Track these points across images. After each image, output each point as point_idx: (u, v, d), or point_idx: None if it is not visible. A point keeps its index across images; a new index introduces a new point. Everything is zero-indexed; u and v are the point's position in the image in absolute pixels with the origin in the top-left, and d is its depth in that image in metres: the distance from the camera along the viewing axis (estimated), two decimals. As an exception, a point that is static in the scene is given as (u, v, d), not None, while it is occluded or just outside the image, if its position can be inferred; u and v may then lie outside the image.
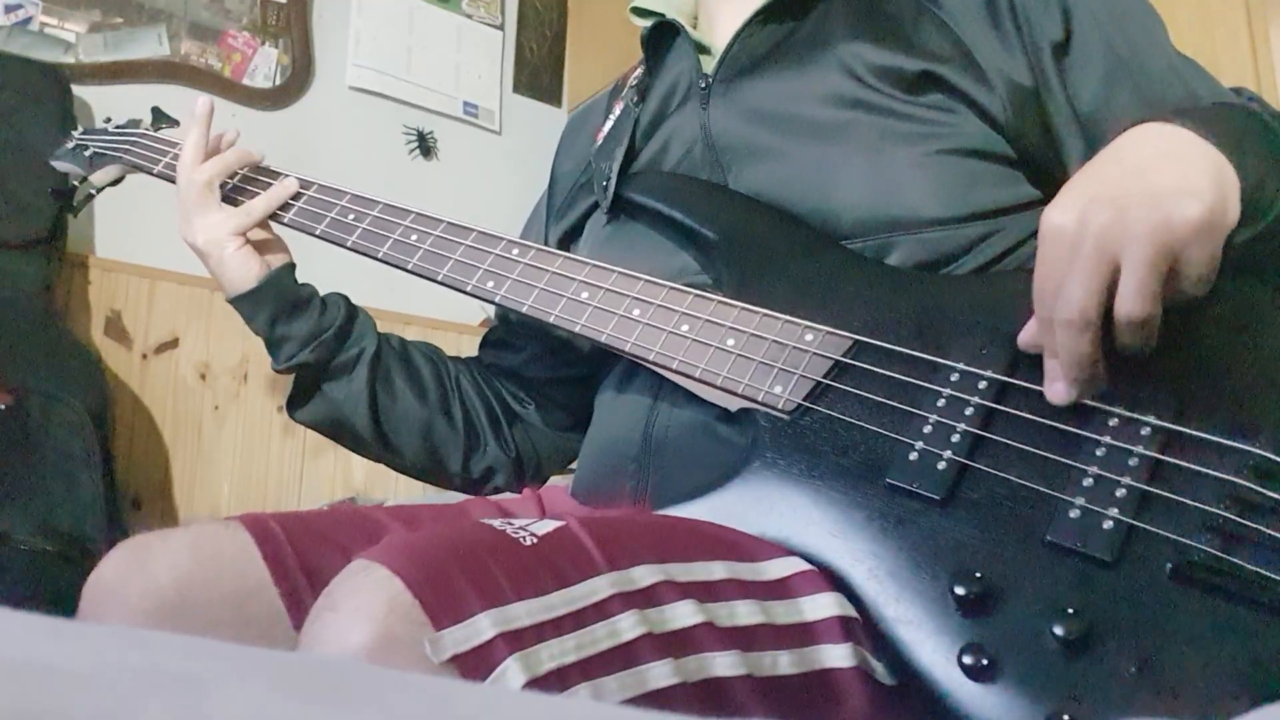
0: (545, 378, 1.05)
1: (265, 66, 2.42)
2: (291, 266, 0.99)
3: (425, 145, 2.63)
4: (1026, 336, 0.65)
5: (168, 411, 2.12)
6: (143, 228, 2.05)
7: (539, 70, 2.93)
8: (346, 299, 1.00)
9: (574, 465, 1.10)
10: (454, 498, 1.03)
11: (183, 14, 2.32)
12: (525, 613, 0.51)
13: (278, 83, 2.43)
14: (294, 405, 1.00)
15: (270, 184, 1.01)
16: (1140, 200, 0.58)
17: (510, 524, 0.58)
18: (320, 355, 0.96)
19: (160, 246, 2.04)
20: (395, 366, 0.99)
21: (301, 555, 0.74)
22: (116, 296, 2.10)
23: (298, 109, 2.45)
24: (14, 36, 2.09)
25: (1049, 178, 0.82)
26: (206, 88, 2.31)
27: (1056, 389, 0.63)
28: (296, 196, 1.00)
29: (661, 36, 0.96)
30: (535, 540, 0.56)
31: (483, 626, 0.50)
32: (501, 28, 2.87)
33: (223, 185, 1.00)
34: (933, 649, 0.58)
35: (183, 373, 2.15)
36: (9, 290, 1.86)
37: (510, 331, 1.07)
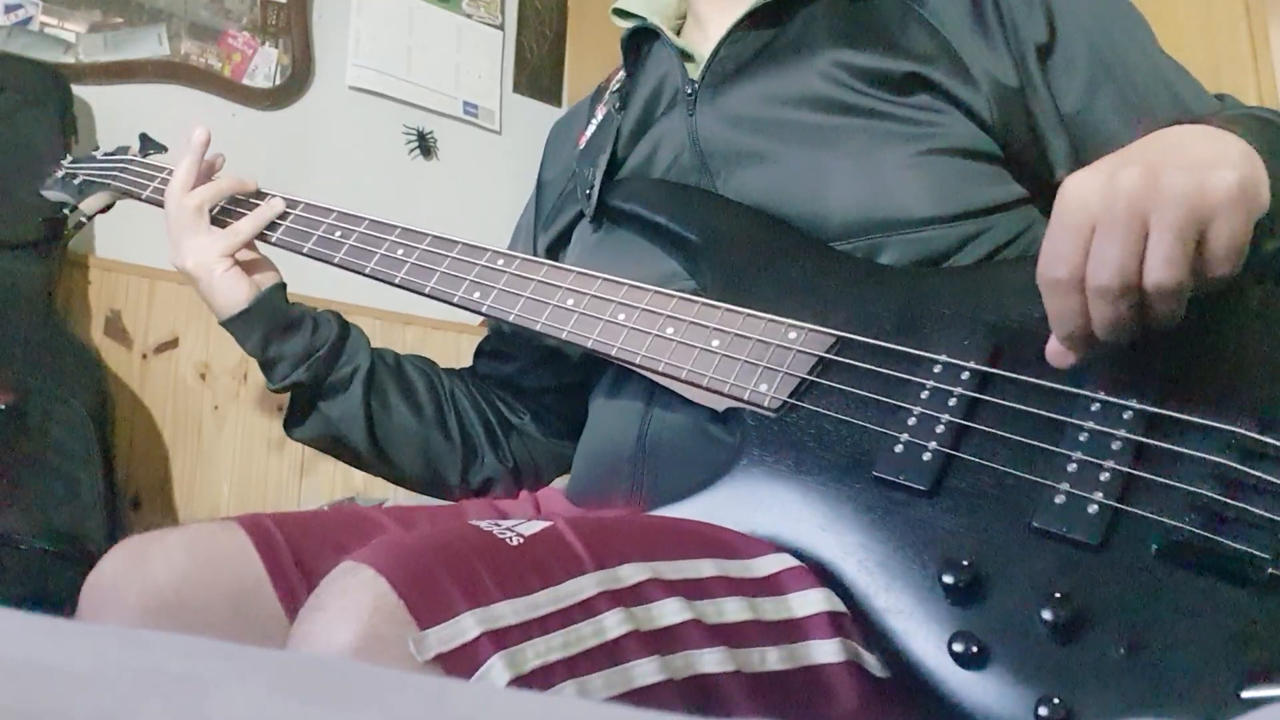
0: (539, 386, 1.05)
1: (265, 66, 2.42)
2: (282, 286, 0.99)
3: (425, 145, 2.63)
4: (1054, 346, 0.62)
5: (168, 411, 2.12)
6: (143, 228, 2.04)
7: (539, 70, 2.93)
8: (339, 316, 1.00)
9: (571, 467, 1.10)
10: (452, 499, 1.03)
11: (183, 14, 2.32)
12: (510, 611, 0.52)
13: (278, 83, 2.43)
14: (291, 424, 1.00)
15: (257, 205, 1.01)
16: (1174, 166, 0.56)
17: (498, 525, 0.58)
18: (314, 374, 0.96)
19: (160, 247, 2.03)
20: (390, 382, 0.99)
21: (298, 556, 0.74)
22: (116, 296, 2.10)
23: (298, 109, 2.44)
24: (14, 36, 2.09)
25: (1036, 178, 0.83)
26: (206, 88, 2.31)
27: (1059, 355, 0.61)
28: (283, 216, 1.00)
29: (642, 40, 0.96)
30: (522, 540, 0.56)
31: (467, 625, 0.50)
32: (501, 28, 2.87)
33: (210, 209, 1.01)
34: (923, 638, 0.59)
35: (183, 373, 2.15)
36: (9, 290, 1.86)
37: (503, 341, 1.07)
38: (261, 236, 1.00)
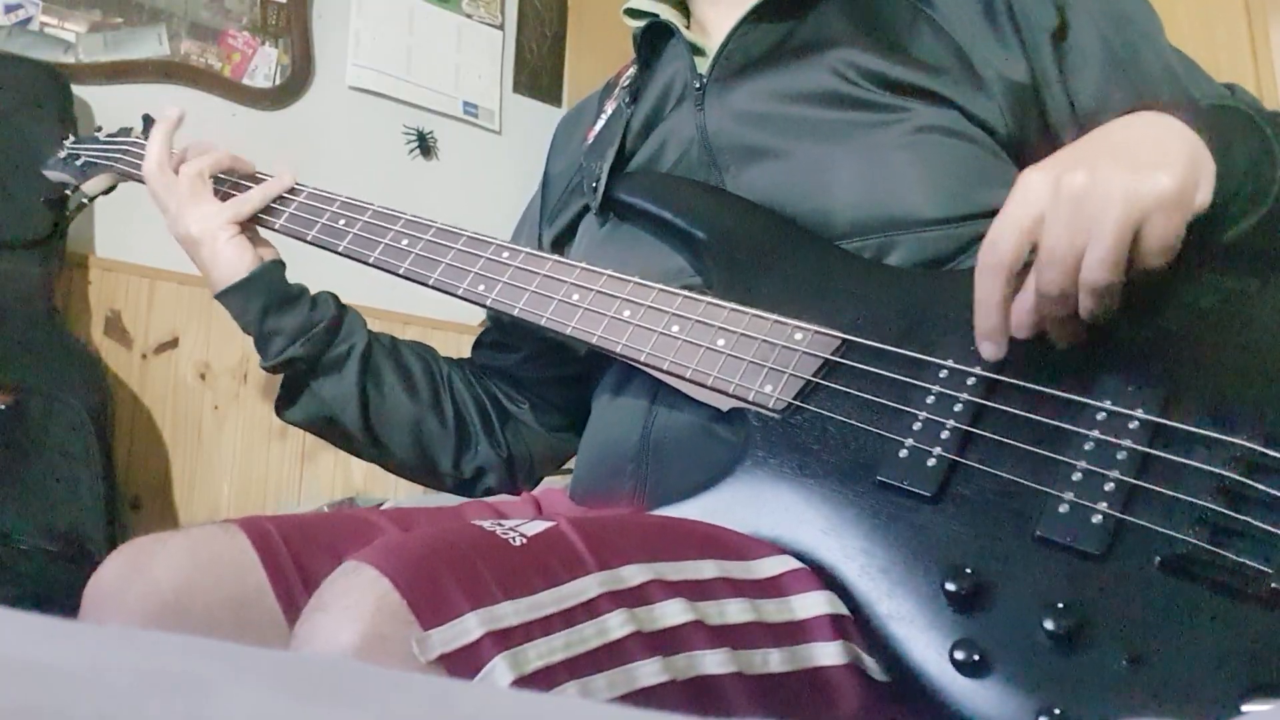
0: (539, 377, 1.04)
1: (265, 66, 2.42)
2: (282, 263, 0.99)
3: (425, 145, 2.63)
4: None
5: (168, 411, 2.12)
6: (143, 228, 2.04)
7: (539, 70, 2.93)
8: (336, 297, 1.00)
9: (569, 466, 1.10)
10: (452, 500, 1.03)
11: (183, 14, 2.32)
12: (513, 612, 0.52)
13: (278, 83, 2.43)
14: (283, 405, 0.99)
15: (249, 188, 1.00)
16: (1116, 168, 0.60)
17: (500, 524, 0.58)
18: (310, 350, 0.95)
19: (160, 246, 2.03)
20: (385, 364, 0.98)
21: (298, 559, 0.74)
22: (116, 296, 2.10)
23: (298, 109, 2.45)
24: (14, 36, 2.09)
25: None
26: (206, 88, 2.31)
27: (985, 349, 0.65)
28: (287, 201, 0.99)
29: (655, 37, 0.95)
30: (525, 540, 0.56)
31: (470, 626, 0.50)
32: (501, 28, 2.87)
33: (217, 187, 1.01)
34: (925, 645, 0.59)
35: (183, 373, 2.15)
36: (9, 290, 1.86)
37: (502, 333, 1.06)
38: (264, 223, 1.00)
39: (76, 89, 2.08)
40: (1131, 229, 0.59)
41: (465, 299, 0.87)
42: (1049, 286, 0.60)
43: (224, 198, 1.00)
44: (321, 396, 0.97)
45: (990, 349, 0.64)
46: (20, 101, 1.95)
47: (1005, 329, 0.63)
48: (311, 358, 0.96)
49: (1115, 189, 0.59)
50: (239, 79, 2.37)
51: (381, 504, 1.85)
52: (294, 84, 2.45)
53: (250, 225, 1.01)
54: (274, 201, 1.00)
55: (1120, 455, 0.60)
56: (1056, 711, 0.53)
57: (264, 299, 0.95)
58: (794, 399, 0.70)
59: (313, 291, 1.00)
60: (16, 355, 1.81)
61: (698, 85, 0.88)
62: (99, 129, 1.24)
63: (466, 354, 1.12)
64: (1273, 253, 0.68)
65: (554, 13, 3.00)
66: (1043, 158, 0.82)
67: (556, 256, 0.85)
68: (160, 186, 1.00)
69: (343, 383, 0.96)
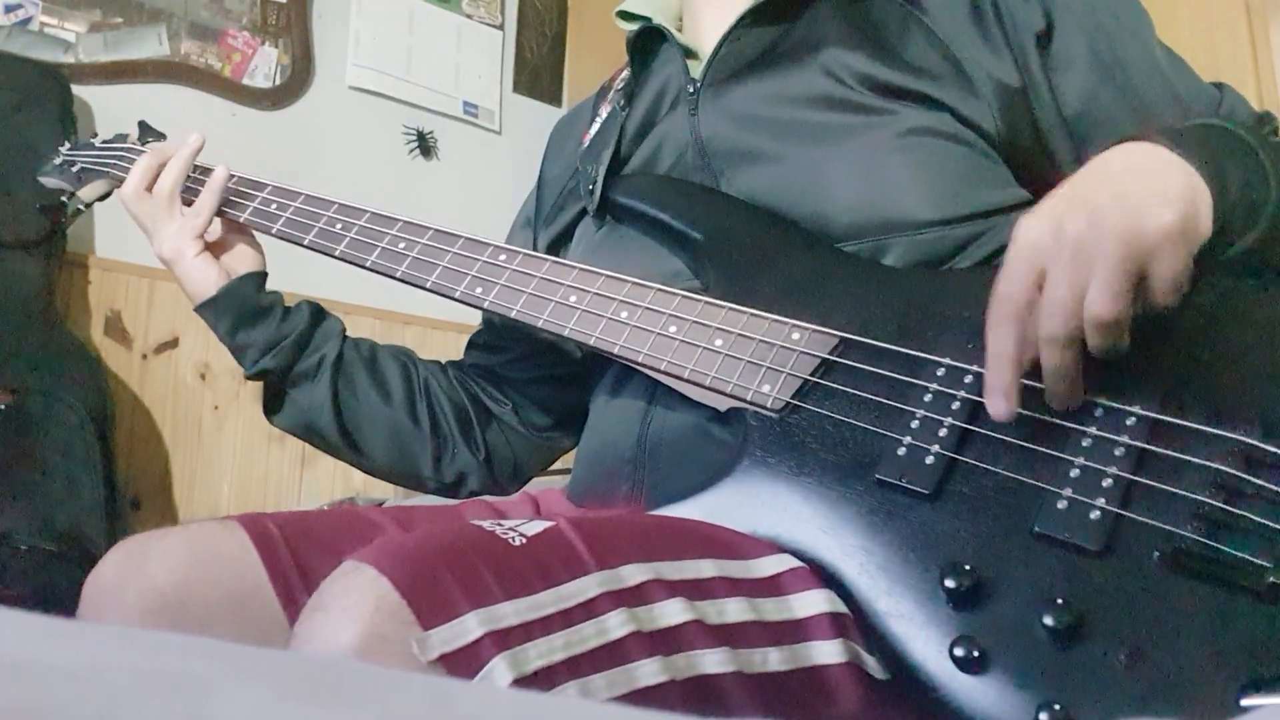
0: (526, 378, 1.05)
1: (265, 66, 2.42)
2: (255, 275, 0.99)
3: (425, 145, 2.63)
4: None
5: (168, 411, 2.12)
6: (143, 228, 2.05)
7: (539, 70, 2.93)
8: (314, 307, 1.00)
9: (557, 466, 1.10)
10: (452, 500, 1.03)
11: (183, 14, 2.32)
12: (513, 612, 0.52)
13: (278, 83, 2.43)
14: (270, 411, 1.00)
15: (203, 170, 1.01)
16: (1114, 207, 0.59)
17: (500, 524, 0.58)
18: (280, 362, 0.96)
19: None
20: (359, 371, 0.99)
21: (298, 556, 0.74)
22: (116, 296, 2.10)
23: (298, 109, 2.45)
24: (14, 36, 2.09)
25: (1042, 178, 0.82)
26: (206, 88, 2.31)
27: (997, 405, 0.62)
28: (285, 205, 0.99)
29: (648, 41, 0.95)
30: (524, 540, 0.56)
31: (470, 626, 0.50)
32: (501, 28, 2.87)
33: (183, 196, 1.01)
34: (924, 642, 0.59)
35: (183, 373, 2.15)
36: (9, 290, 1.86)
37: (495, 334, 1.07)
38: (260, 227, 1.00)
39: (76, 89, 2.09)
40: (1134, 263, 0.58)
41: (462, 301, 0.87)
42: (1053, 330, 0.59)
43: (189, 204, 1.00)
44: (298, 405, 0.98)
45: (1001, 405, 0.61)
46: (20, 101, 1.95)
47: (1018, 385, 0.61)
48: (283, 369, 0.97)
49: (1116, 228, 0.58)
50: (239, 79, 2.38)
51: (381, 504, 1.85)
52: (294, 84, 2.45)
53: (245, 229, 1.01)
54: (272, 205, 1.00)
55: (1118, 452, 0.60)
56: (1057, 707, 0.53)
57: (232, 316, 0.96)
58: (792, 398, 0.71)
59: (302, 296, 1.00)
60: (16, 355, 1.81)
61: (691, 89, 0.88)
62: (94, 135, 1.24)
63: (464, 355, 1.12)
64: (1270, 259, 0.68)
65: (554, 13, 3.01)
66: (1034, 159, 0.82)
67: (553, 258, 0.85)
68: (139, 213, 1.01)
69: (316, 392, 0.97)
